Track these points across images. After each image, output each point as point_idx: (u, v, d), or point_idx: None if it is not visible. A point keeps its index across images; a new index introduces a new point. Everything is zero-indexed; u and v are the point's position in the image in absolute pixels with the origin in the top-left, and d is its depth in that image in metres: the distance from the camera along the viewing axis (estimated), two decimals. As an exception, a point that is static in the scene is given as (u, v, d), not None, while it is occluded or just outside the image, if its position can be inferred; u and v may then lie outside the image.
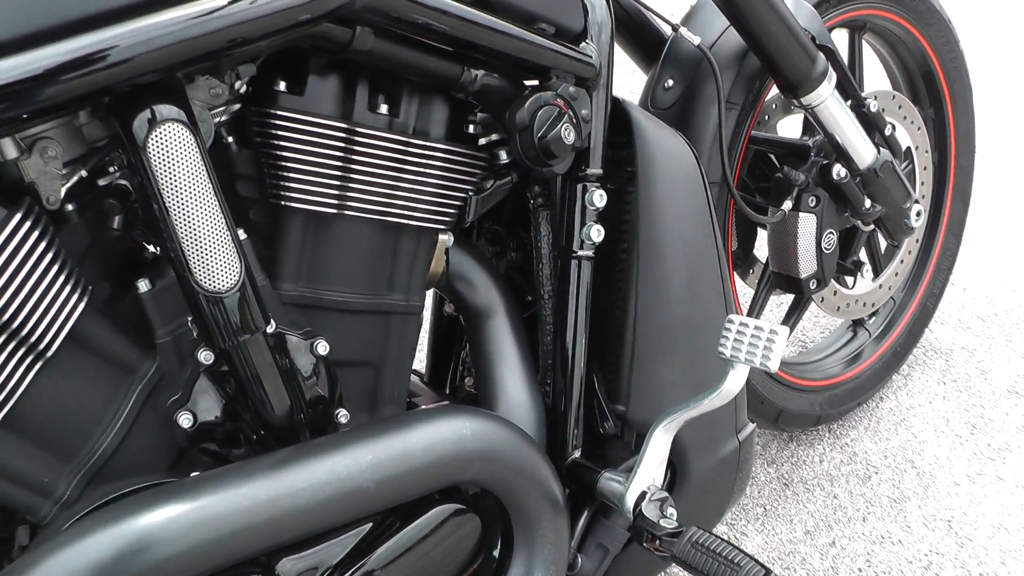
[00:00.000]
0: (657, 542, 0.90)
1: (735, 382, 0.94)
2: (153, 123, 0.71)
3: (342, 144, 0.87)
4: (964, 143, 1.65)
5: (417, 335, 1.01)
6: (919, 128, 1.53)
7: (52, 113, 0.70)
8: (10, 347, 0.73)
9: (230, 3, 0.69)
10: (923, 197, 1.61)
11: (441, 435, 0.84)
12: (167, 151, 0.72)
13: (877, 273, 1.61)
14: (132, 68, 0.67)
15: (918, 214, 1.44)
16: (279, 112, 0.84)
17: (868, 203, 1.38)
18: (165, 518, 0.70)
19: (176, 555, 0.70)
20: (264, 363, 0.80)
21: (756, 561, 0.83)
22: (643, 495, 0.96)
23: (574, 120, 0.95)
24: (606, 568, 1.05)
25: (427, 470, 0.82)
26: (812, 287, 1.39)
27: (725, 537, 1.47)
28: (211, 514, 0.73)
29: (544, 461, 0.92)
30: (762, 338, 0.88)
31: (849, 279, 1.56)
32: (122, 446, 0.82)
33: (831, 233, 1.38)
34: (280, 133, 0.83)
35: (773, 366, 0.87)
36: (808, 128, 1.44)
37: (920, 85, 1.60)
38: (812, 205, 1.35)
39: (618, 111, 1.04)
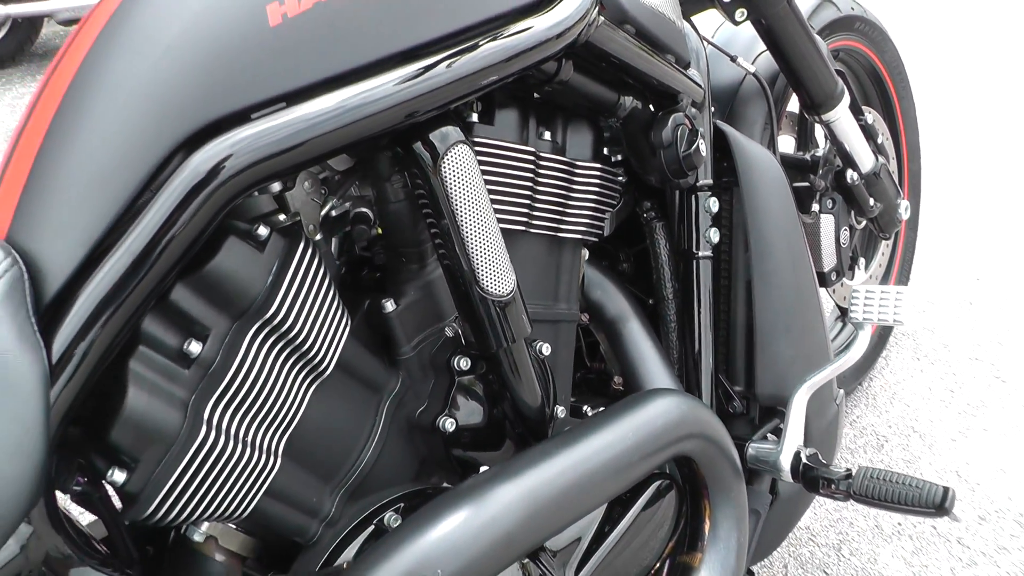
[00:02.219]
0: (833, 486, 1.04)
1: (863, 343, 1.11)
2: (445, 146, 0.80)
3: (531, 167, 0.98)
4: (913, 151, 1.92)
5: (575, 342, 1.12)
6: (888, 138, 1.79)
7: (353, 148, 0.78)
8: (298, 367, 0.79)
9: (488, 43, 0.79)
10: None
11: (668, 414, 0.94)
12: (458, 170, 0.80)
13: (867, 267, 1.84)
14: (434, 100, 0.76)
15: (905, 209, 1.68)
16: (477, 140, 0.91)
17: (872, 202, 1.60)
18: (475, 519, 0.75)
19: (489, 548, 0.76)
20: (524, 363, 0.89)
21: (931, 483, 0.99)
22: (798, 454, 1.11)
23: (702, 136, 1.10)
24: (760, 529, 1.18)
25: (661, 447, 0.93)
26: (834, 279, 1.59)
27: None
28: (505, 510, 0.76)
29: (727, 434, 1.04)
30: (891, 298, 1.05)
31: (848, 272, 1.78)
32: (378, 461, 0.88)
33: (845, 230, 1.59)
34: (479, 159, 0.88)
35: (905, 320, 1.04)
36: (802, 143, 1.66)
37: (876, 102, 1.86)
38: (830, 207, 1.56)
39: (716, 129, 1.20)
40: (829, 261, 1.58)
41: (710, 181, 1.18)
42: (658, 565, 1.03)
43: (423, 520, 0.74)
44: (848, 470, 1.05)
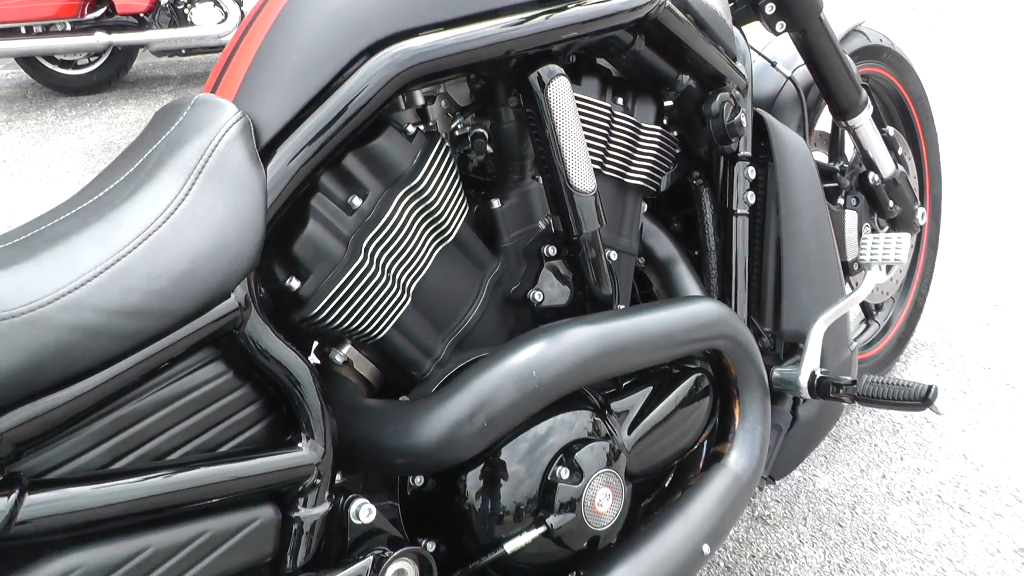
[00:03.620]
0: (841, 390, 1.26)
1: (871, 282, 1.33)
2: (551, 77, 1.07)
3: (606, 120, 1.24)
4: (935, 173, 2.15)
5: (632, 276, 1.36)
6: (910, 158, 2.03)
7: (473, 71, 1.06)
8: (429, 229, 1.05)
9: (578, 7, 1.07)
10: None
11: (708, 313, 1.19)
12: (559, 94, 1.07)
13: (888, 270, 2.06)
14: (538, 40, 1.04)
15: (922, 215, 1.91)
16: None
17: (891, 204, 1.83)
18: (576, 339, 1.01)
19: (570, 367, 1.01)
20: (598, 253, 1.14)
21: (920, 383, 1.21)
22: (814, 374, 1.33)
23: (744, 112, 1.36)
24: (778, 445, 1.39)
25: (700, 335, 1.17)
26: (856, 269, 1.82)
27: (799, 478, 1.84)
28: (584, 342, 1.03)
29: (755, 344, 1.27)
30: (892, 242, 1.29)
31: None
32: (479, 323, 1.12)
33: (866, 226, 1.82)
34: None
35: (904, 259, 1.27)
36: (832, 157, 1.90)
37: (900, 126, 2.10)
38: (854, 204, 1.80)
39: (755, 114, 1.46)
40: (852, 252, 1.80)
41: (749, 153, 1.43)
42: (695, 448, 1.26)
43: (524, 340, 0.99)
44: (853, 379, 1.27)
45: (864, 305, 2.05)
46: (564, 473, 1.02)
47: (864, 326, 2.15)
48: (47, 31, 4.46)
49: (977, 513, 1.76)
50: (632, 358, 1.08)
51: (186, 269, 0.77)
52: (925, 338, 2.35)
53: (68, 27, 4.45)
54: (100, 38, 4.42)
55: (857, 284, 1.90)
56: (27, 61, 4.62)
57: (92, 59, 4.74)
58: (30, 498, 0.69)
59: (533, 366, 0.96)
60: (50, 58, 4.64)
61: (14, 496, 0.68)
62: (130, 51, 4.78)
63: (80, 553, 0.73)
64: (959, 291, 2.57)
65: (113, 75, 4.81)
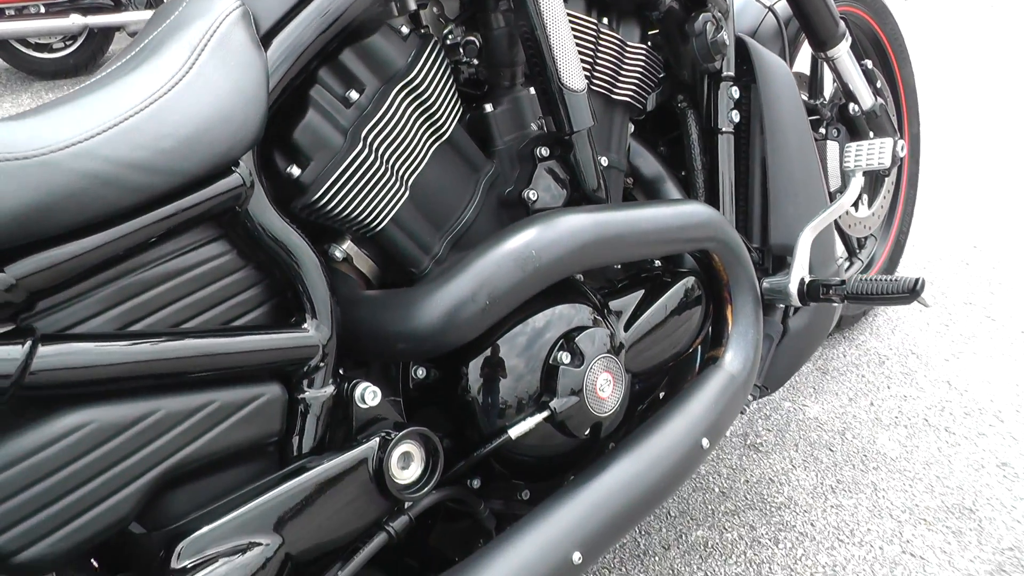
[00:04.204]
0: (831, 291, 1.28)
1: (854, 190, 1.36)
2: None
3: (593, 35, 1.26)
4: (912, 113, 2.19)
5: (622, 190, 1.38)
6: (888, 96, 2.06)
7: None
8: (425, 124, 1.06)
9: None
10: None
11: (698, 215, 1.21)
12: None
13: (870, 205, 2.10)
14: None
15: (902, 147, 1.94)
16: None
17: (871, 135, 1.86)
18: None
19: (569, 249, 1.03)
20: (587, 154, 1.16)
21: (906, 276, 1.23)
22: (803, 280, 1.35)
23: (725, 30, 1.38)
24: (772, 353, 1.41)
25: (690, 234, 1.19)
26: (839, 196, 1.84)
27: (789, 408, 1.87)
28: (580, 228, 1.05)
29: (744, 248, 1.29)
30: (876, 148, 1.31)
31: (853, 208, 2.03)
32: (475, 222, 1.13)
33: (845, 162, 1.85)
34: None
35: (887, 163, 1.30)
36: (812, 95, 1.93)
37: (877, 66, 2.13)
38: (835, 135, 1.83)
39: (737, 39, 1.48)
40: (834, 183, 1.83)
41: (732, 73, 1.46)
42: (689, 352, 1.28)
43: (524, 223, 1.01)
44: (842, 280, 1.29)
45: (847, 242, 2.09)
46: (565, 358, 1.03)
47: (848, 263, 2.18)
48: (20, 14, 4.41)
49: (962, 434, 1.80)
50: (626, 249, 1.10)
51: (192, 132, 0.78)
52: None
53: (42, 10, 4.41)
54: (75, 20, 4.39)
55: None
56: (0, 45, 4.58)
57: (68, 42, 4.70)
58: (43, 349, 0.70)
59: (533, 246, 0.98)
60: (24, 42, 4.58)
61: (28, 345, 0.69)
62: (107, 33, 4.74)
63: (92, 409, 0.74)
64: (938, 233, 2.62)
65: (90, 58, 4.76)
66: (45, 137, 0.69)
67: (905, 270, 2.41)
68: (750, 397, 1.36)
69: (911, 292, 1.22)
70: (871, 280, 1.26)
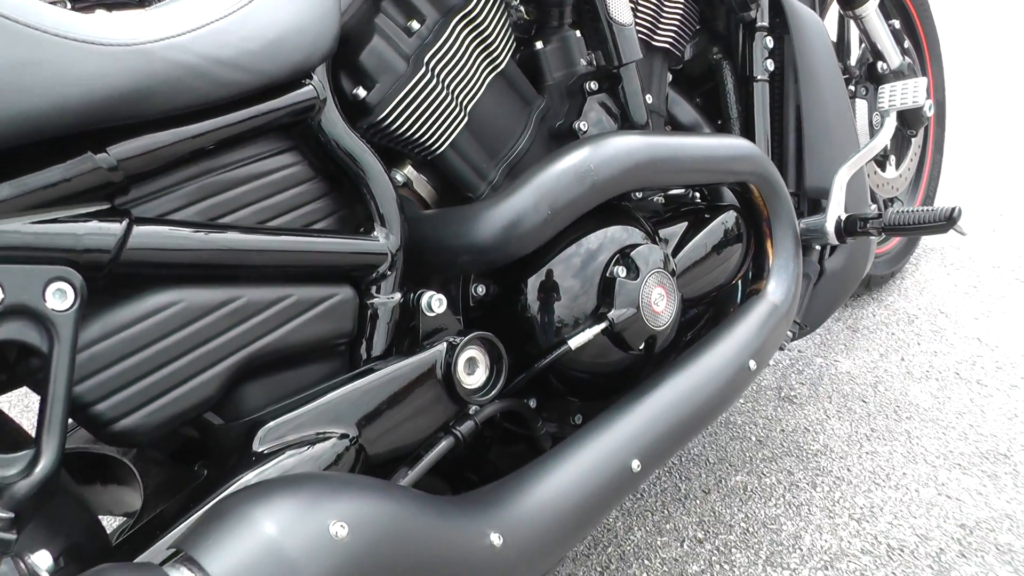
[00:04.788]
0: (868, 224, 1.32)
1: (888, 130, 1.39)
2: None
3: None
4: (938, 80, 2.22)
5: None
6: (914, 59, 2.09)
7: None
8: (482, 56, 1.10)
9: None
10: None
11: (739, 148, 1.24)
12: None
13: (897, 166, 2.12)
14: None
15: (929, 107, 1.97)
16: None
17: (901, 89, 1.89)
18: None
19: (617, 172, 1.06)
20: (635, 87, 1.20)
21: (943, 206, 1.27)
22: (839, 218, 1.39)
23: None
24: (810, 292, 1.45)
25: (731, 166, 1.22)
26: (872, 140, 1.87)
27: (821, 363, 1.90)
28: (625, 153, 1.08)
29: (783, 183, 1.32)
30: (910, 88, 1.34)
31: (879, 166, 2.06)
32: (528, 152, 1.17)
33: (876, 114, 1.88)
34: None
35: (920, 101, 1.33)
36: (839, 58, 1.96)
37: (903, 34, 2.16)
38: (864, 94, 1.86)
39: (770, -7, 1.52)
40: (864, 139, 1.86)
41: (767, 23, 1.49)
42: (732, 283, 1.31)
43: (581, 142, 1.05)
44: (879, 212, 1.32)
45: (875, 203, 2.12)
46: (621, 272, 1.07)
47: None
48: (48, 12, 4.49)
49: (994, 386, 1.82)
50: (675, 174, 1.13)
51: (274, 38, 0.82)
52: (934, 243, 2.42)
53: (68, 6, 4.49)
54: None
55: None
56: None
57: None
58: (138, 230, 0.74)
59: (591, 161, 1.01)
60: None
61: (125, 224, 0.73)
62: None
63: (180, 290, 0.78)
64: (964, 201, 2.64)
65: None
66: (142, 32, 0.73)
67: (932, 240, 2.44)
68: (789, 333, 1.39)
69: (948, 220, 1.24)
70: (908, 211, 1.29)
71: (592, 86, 1.21)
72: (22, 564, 0.62)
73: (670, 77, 1.45)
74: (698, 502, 1.60)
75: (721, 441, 1.74)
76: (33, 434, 0.69)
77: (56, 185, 0.70)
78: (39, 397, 0.69)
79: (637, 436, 1.02)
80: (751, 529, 1.53)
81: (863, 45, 1.86)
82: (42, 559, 0.64)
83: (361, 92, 0.99)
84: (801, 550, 1.47)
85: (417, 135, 1.03)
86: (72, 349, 0.69)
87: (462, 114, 1.08)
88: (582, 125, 1.19)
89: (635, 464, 1.01)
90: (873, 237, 1.51)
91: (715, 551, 1.49)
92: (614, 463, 0.99)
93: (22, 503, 0.64)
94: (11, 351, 0.71)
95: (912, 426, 1.73)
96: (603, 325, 1.05)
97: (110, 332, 0.74)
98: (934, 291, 2.19)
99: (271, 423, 0.84)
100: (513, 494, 0.90)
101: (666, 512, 1.58)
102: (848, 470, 1.64)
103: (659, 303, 1.09)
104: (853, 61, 1.86)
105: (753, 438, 1.74)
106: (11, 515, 0.63)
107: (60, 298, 0.69)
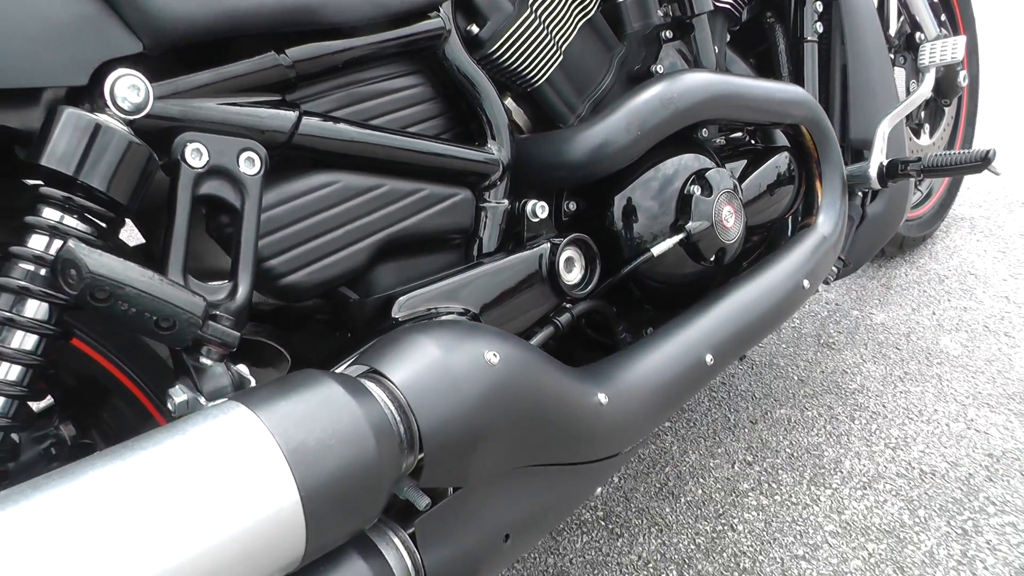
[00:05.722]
0: (908, 166, 1.45)
1: (927, 84, 1.53)
2: None
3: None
4: (972, 56, 2.35)
5: None
6: (949, 33, 2.22)
7: None
8: (576, 3, 1.24)
9: None
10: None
11: (792, 92, 1.38)
12: None
13: (931, 135, 2.26)
14: None
15: (964, 77, 2.10)
16: None
17: (937, 59, 2.03)
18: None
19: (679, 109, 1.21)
20: (706, 37, 1.34)
21: (979, 148, 1.40)
22: (881, 164, 1.52)
23: None
24: (851, 234, 1.58)
25: (783, 108, 1.36)
26: (912, 93, 2.00)
27: (857, 315, 2.03)
28: (691, 89, 1.22)
29: (832, 128, 1.46)
30: (949, 45, 1.48)
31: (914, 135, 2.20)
32: (611, 90, 1.31)
33: (913, 83, 2.02)
34: None
35: (959, 57, 1.47)
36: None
37: (940, 7, 2.29)
38: (902, 63, 1.99)
39: (820, -46, 1.66)
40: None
41: (817, -10, 1.64)
42: (785, 217, 1.45)
43: (664, 76, 1.19)
44: (918, 156, 1.46)
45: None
46: (697, 190, 1.21)
47: (914, 191, 2.34)
48: None
49: (1021, 338, 1.95)
50: (741, 110, 1.28)
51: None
52: (964, 213, 2.54)
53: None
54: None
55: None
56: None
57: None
58: (307, 120, 0.89)
59: (674, 91, 1.16)
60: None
61: (297, 114, 0.88)
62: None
63: (338, 173, 0.93)
64: (993, 176, 2.77)
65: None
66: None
67: (961, 208, 2.56)
68: (834, 268, 1.53)
69: (983, 160, 1.38)
70: (945, 154, 1.43)
71: (667, 34, 1.35)
72: (232, 370, 0.77)
73: (728, 37, 1.59)
74: (746, 431, 1.74)
75: (766, 379, 1.88)
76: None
77: (246, 76, 0.86)
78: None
79: (710, 334, 1.16)
80: (795, 454, 1.66)
81: (901, 17, 1.99)
82: (244, 370, 0.79)
83: (475, 28, 1.13)
84: (841, 472, 1.61)
85: (520, 68, 1.17)
86: (258, 207, 0.84)
87: (558, 53, 1.22)
88: (658, 68, 1.33)
89: (708, 358, 1.15)
90: (910, 189, 1.65)
91: (763, 472, 1.63)
92: (692, 354, 1.13)
93: (232, 319, 0.79)
94: (207, 207, 0.86)
95: (943, 371, 1.86)
96: (681, 236, 1.19)
97: (283, 200, 0.89)
98: (963, 255, 2.32)
99: (405, 296, 0.98)
100: (616, 369, 1.04)
101: (717, 439, 1.72)
102: (883, 406, 1.77)
103: (729, 219, 1.23)
104: (892, 32, 2.00)
105: (795, 378, 1.88)
106: (235, 333, 0.78)
107: (249, 165, 0.84)
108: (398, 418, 0.75)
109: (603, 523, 1.54)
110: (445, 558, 0.82)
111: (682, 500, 1.57)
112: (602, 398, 0.98)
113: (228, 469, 0.63)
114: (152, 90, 0.77)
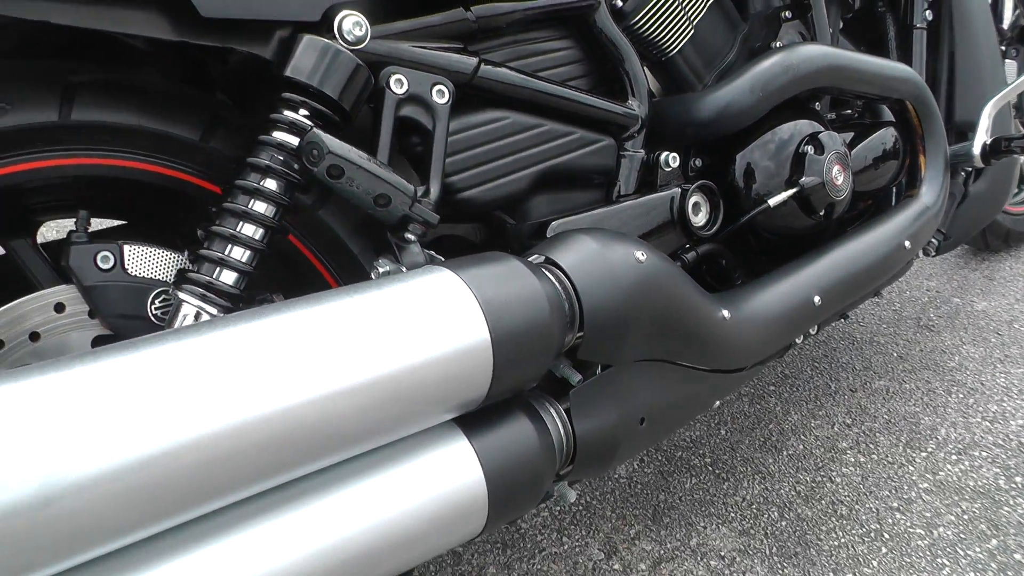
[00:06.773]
0: (1012, 143, 1.55)
1: (1035, 72, 1.62)
2: None
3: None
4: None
5: None
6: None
7: None
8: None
9: None
10: None
11: (904, 69, 1.50)
12: None
13: None
14: None
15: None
16: None
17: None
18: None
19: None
20: (823, 11, 1.48)
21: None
22: (985, 143, 1.62)
23: None
24: (953, 211, 1.68)
25: (891, 84, 1.48)
26: (1014, 114, 2.08)
27: (958, 303, 2.11)
28: (828, 54, 1.37)
29: (936, 106, 1.57)
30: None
31: None
32: (734, 64, 1.46)
33: None
34: None
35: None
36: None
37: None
38: (1014, 55, 2.07)
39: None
40: (1013, 99, 2.08)
41: (928, -19, 1.75)
42: (890, 187, 1.57)
43: (786, 46, 1.33)
44: (1021, 133, 1.55)
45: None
46: (811, 149, 1.35)
47: (1018, 189, 2.40)
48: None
49: (1124, 325, 1.99)
50: (854, 82, 1.41)
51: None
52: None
53: None
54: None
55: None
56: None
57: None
58: (484, 67, 1.06)
59: (793, 58, 1.30)
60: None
61: (477, 60, 1.05)
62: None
63: (508, 111, 1.10)
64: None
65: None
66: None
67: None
68: (934, 240, 1.63)
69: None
70: (1045, 128, 1.53)
71: (787, 15, 1.50)
72: (426, 252, 0.95)
73: (841, 24, 1.72)
74: (846, 397, 1.84)
75: (866, 354, 1.98)
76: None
77: (439, 26, 1.04)
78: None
79: (819, 277, 1.29)
80: (893, 420, 1.76)
81: (1017, 11, 2.08)
82: (435, 255, 0.97)
83: (619, 2, 1.30)
84: (937, 439, 1.70)
85: (657, 38, 1.33)
86: (446, 130, 1.01)
87: (690, 27, 1.38)
88: (779, 43, 1.47)
89: (816, 299, 1.28)
90: (1015, 173, 1.74)
91: (862, 434, 1.73)
92: (802, 293, 1.27)
93: (430, 218, 0.97)
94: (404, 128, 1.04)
95: (1044, 354, 1.93)
96: (795, 189, 1.32)
97: (464, 128, 1.07)
98: (1067, 252, 2.37)
99: (557, 222, 1.15)
100: (737, 296, 1.19)
101: (818, 402, 1.83)
102: (982, 383, 1.85)
103: (838, 177, 1.36)
104: (1006, 25, 2.08)
105: (895, 354, 1.97)
106: (435, 215, 0.95)
107: (440, 95, 1.01)
108: (566, 297, 0.91)
109: (710, 468, 1.66)
110: (591, 429, 0.97)
111: (784, 453, 1.69)
112: (725, 313, 1.12)
113: (434, 310, 0.79)
114: (370, 28, 0.95)
